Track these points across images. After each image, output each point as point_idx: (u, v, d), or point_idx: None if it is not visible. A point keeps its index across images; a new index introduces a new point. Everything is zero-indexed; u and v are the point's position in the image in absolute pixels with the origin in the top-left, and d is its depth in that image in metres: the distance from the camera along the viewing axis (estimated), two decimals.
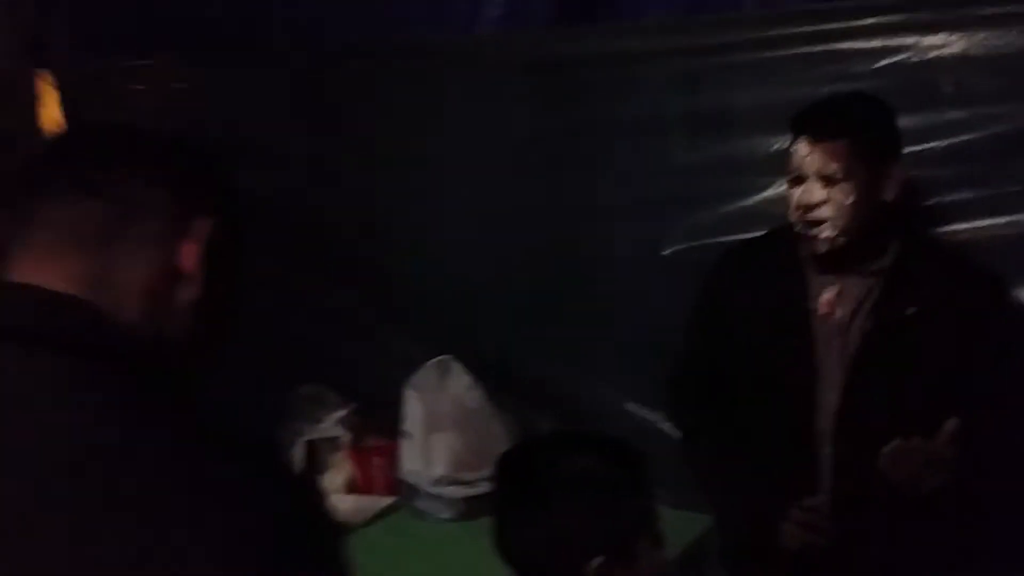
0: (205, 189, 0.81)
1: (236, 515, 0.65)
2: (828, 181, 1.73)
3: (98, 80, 2.89)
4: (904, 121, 1.80)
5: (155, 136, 0.84)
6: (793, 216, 1.80)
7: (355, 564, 0.74)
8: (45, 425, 0.67)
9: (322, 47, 2.67)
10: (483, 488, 2.17)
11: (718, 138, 2.19)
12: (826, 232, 1.75)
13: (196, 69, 2.76)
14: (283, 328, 2.62)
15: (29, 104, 3.09)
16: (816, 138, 1.74)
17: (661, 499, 1.35)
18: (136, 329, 0.74)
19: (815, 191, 1.74)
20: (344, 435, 2.54)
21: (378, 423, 2.57)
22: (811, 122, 1.76)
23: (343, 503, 2.34)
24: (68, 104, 2.98)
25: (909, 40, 1.94)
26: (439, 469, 2.33)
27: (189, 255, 0.77)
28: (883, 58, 1.97)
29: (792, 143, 1.79)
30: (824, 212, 1.74)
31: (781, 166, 1.83)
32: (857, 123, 1.76)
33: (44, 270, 0.73)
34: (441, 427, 2.35)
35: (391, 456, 2.45)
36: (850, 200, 1.73)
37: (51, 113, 3.10)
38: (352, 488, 2.47)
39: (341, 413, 2.58)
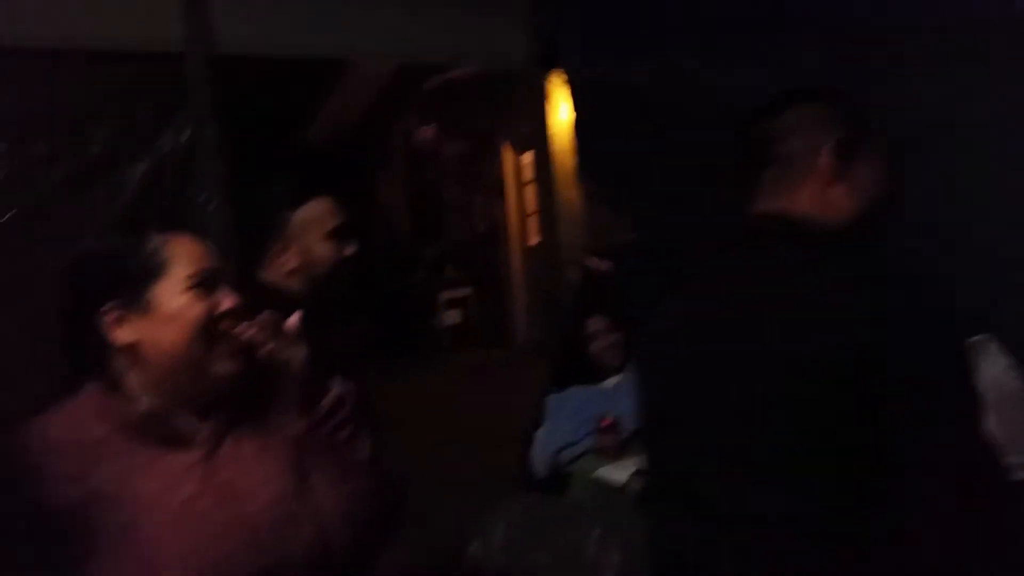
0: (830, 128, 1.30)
1: None
2: None
3: (608, 80, 2.92)
4: None
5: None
6: None
7: None
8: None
9: (845, 33, 2.39)
10: None
11: None
12: None
13: (707, 69, 2.65)
14: None
15: (539, 104, 3.25)
16: None
17: None
18: (823, 224, 1.27)
19: None
20: None
21: None
22: None
23: None
24: (578, 104, 3.06)
25: None
26: None
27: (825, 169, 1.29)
28: None
29: None
30: None
31: None
32: None
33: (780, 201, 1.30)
34: None
35: None
36: None
37: (559, 112, 3.24)
38: None
39: None
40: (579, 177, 3.16)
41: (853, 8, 2.39)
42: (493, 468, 3.27)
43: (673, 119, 2.63)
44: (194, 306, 1.12)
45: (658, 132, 2.68)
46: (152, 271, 1.13)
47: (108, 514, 1.06)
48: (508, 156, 7.59)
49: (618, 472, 2.30)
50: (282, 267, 1.76)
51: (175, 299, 1.12)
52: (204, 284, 1.14)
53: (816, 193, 1.29)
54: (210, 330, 1.12)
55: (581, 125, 3.03)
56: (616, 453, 2.41)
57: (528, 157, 5.86)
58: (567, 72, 3.11)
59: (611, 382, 2.70)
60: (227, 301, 1.14)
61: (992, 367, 2.14)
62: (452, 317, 8.00)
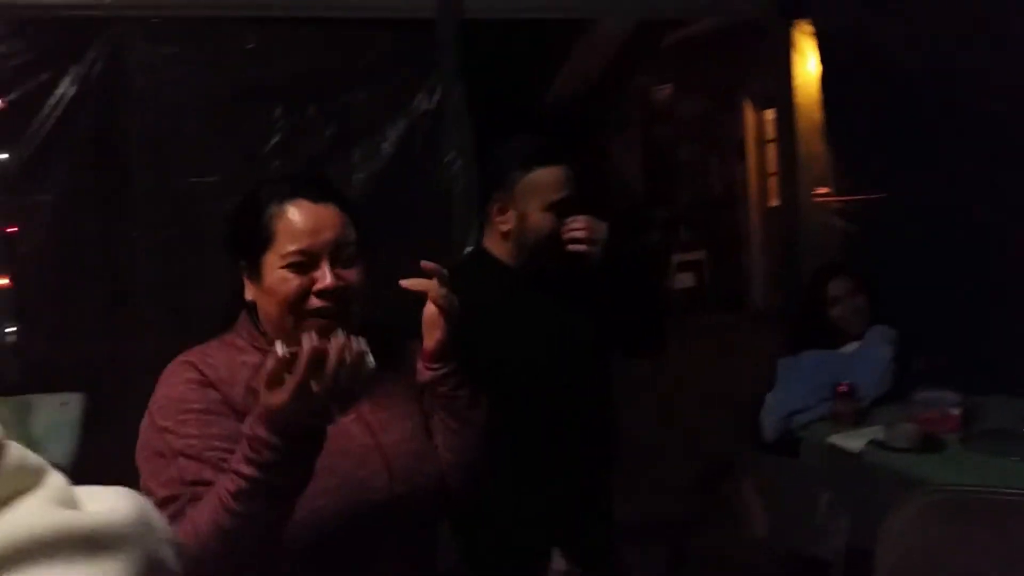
0: None
1: None
2: None
3: (858, 31, 2.75)
4: None
5: None
6: None
7: None
8: None
9: None
10: None
11: None
12: None
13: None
14: None
15: (784, 57, 3.11)
16: None
17: None
18: None
19: None
20: None
21: None
22: None
23: None
24: (826, 56, 2.91)
25: None
26: None
27: None
28: None
29: None
30: None
31: None
32: None
33: None
34: None
35: None
36: None
37: (805, 66, 3.09)
38: None
39: None
40: (826, 134, 3.01)
41: None
42: (721, 431, 3.24)
43: (923, 74, 2.44)
44: (287, 283, 1.15)
45: (908, 87, 2.50)
46: (263, 240, 1.17)
47: None
48: (749, 113, 7.33)
49: (852, 440, 2.21)
50: (498, 226, 1.75)
51: (273, 272, 1.16)
52: (302, 262, 1.15)
53: None
54: (302, 306, 1.15)
55: (828, 79, 2.88)
56: (851, 420, 2.32)
57: (770, 114, 5.62)
58: (814, 22, 2.96)
59: (849, 348, 2.58)
60: (324, 281, 1.15)
61: None
62: (685, 280, 7.90)
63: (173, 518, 1.05)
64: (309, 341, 0.99)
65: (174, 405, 1.13)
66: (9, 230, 2.39)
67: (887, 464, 2.07)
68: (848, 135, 2.91)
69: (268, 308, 1.18)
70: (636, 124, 9.03)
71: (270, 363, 1.00)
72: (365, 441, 1.20)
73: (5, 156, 2.37)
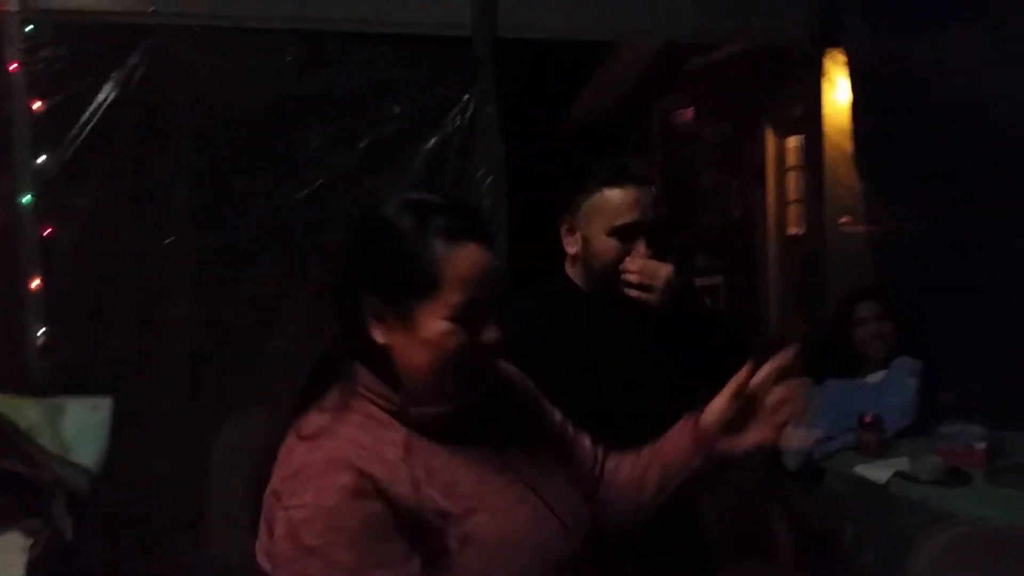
0: None
1: None
2: None
3: (892, 59, 2.76)
4: None
5: None
6: None
7: None
8: None
9: None
10: None
11: None
12: None
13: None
14: None
15: (815, 84, 3.12)
16: None
17: None
18: None
19: None
20: None
21: None
22: None
23: None
24: (857, 84, 2.92)
25: None
26: None
27: None
28: None
29: None
30: None
31: None
32: None
33: None
34: None
35: None
36: None
37: (835, 93, 3.09)
38: None
39: None
40: (856, 162, 3.01)
41: None
42: (743, 460, 3.22)
43: (957, 104, 2.44)
44: (452, 337, 0.99)
45: (939, 117, 2.50)
46: (424, 286, 0.99)
47: (438, 515, 0.97)
48: (770, 140, 7.32)
49: (878, 471, 2.20)
50: (567, 248, 1.64)
51: (435, 324, 0.99)
52: (467, 315, 0.99)
53: None
54: (462, 361, 1.00)
55: (859, 107, 2.88)
56: (876, 451, 2.30)
57: (793, 142, 5.61)
58: (848, 50, 2.97)
59: (873, 378, 2.57)
60: (489, 335, 1.01)
61: None
62: None
63: None
64: None
65: (323, 520, 0.92)
66: (44, 232, 2.42)
67: (913, 496, 2.06)
68: (878, 164, 2.91)
69: (416, 359, 1.00)
70: (658, 146, 9.04)
71: None
72: (534, 501, 1.06)
73: (44, 158, 2.40)
